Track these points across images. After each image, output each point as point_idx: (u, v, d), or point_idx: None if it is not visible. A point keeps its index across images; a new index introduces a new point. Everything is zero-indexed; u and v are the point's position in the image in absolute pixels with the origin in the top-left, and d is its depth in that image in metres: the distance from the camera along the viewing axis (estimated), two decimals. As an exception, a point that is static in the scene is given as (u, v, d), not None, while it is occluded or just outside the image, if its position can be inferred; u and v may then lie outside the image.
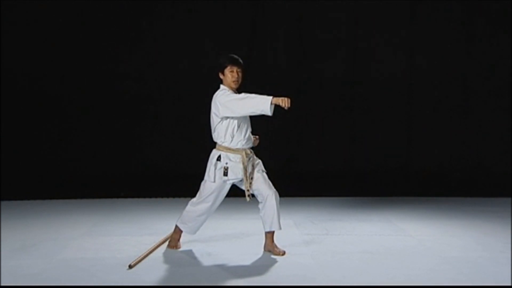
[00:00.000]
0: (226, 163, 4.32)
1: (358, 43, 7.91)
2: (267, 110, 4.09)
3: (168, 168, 7.64)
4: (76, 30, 7.46)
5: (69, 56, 7.48)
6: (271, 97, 4.10)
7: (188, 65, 7.62)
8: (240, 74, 4.36)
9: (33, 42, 7.40)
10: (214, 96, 4.36)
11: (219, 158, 4.35)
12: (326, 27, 7.87)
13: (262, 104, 4.09)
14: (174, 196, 6.71)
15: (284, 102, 4.07)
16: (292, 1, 7.79)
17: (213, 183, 4.36)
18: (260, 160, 4.49)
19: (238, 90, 4.42)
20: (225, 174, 4.32)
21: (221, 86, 4.42)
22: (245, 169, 4.31)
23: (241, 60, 4.39)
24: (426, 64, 7.91)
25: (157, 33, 7.67)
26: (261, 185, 4.34)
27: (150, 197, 6.86)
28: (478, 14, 7.87)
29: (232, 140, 4.34)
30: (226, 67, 4.35)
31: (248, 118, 4.40)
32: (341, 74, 7.91)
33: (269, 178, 4.43)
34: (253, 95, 4.16)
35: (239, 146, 4.35)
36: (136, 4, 7.57)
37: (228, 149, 4.35)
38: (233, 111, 4.20)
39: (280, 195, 4.39)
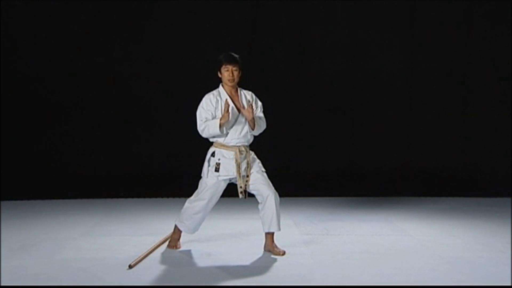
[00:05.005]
0: (219, 159, 4.34)
1: (358, 42, 7.91)
2: (218, 131, 4.28)
3: (168, 168, 7.64)
4: (75, 30, 7.46)
5: (69, 56, 7.48)
6: (218, 120, 4.26)
7: (188, 65, 7.62)
8: (235, 72, 4.37)
9: (33, 42, 7.41)
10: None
11: (213, 154, 4.38)
12: (326, 27, 7.87)
13: (213, 128, 4.28)
14: (174, 196, 6.70)
15: (226, 109, 4.27)
16: (292, 1, 7.79)
17: (207, 179, 4.38)
18: (259, 160, 4.49)
19: (238, 85, 4.47)
20: (217, 170, 4.33)
21: (220, 85, 4.46)
22: (238, 166, 4.31)
23: (238, 58, 4.39)
24: (426, 64, 7.91)
25: (157, 33, 7.67)
26: (261, 185, 4.34)
27: (150, 197, 6.86)
28: (478, 14, 7.87)
29: (226, 137, 4.35)
30: (222, 65, 4.37)
31: None
32: (341, 74, 7.90)
33: (269, 178, 4.43)
34: (208, 121, 4.31)
35: (233, 143, 4.36)
36: (135, 4, 7.57)
37: (223, 146, 4.37)
38: (202, 134, 4.38)
39: (280, 195, 4.38)
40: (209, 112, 4.35)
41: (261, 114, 4.50)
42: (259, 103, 4.53)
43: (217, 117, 4.34)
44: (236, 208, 5.95)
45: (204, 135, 4.38)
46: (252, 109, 4.31)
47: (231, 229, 5.25)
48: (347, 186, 7.45)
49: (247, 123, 4.38)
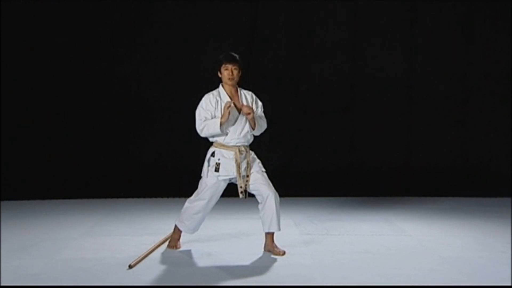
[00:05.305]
0: (219, 159, 4.35)
1: (358, 43, 7.91)
2: (218, 131, 4.28)
3: (168, 168, 7.64)
4: (76, 30, 7.46)
5: (69, 56, 7.48)
6: (219, 119, 4.26)
7: (188, 65, 7.63)
8: (235, 71, 4.38)
9: (32, 42, 7.41)
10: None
11: (213, 154, 4.38)
12: (326, 27, 7.87)
13: (213, 128, 4.29)
14: (174, 196, 6.71)
15: (227, 107, 4.27)
16: (292, 1, 7.79)
17: (207, 179, 4.38)
18: (259, 160, 4.49)
19: (238, 85, 4.48)
20: (217, 170, 4.33)
21: (220, 85, 4.46)
22: (238, 166, 4.32)
23: (237, 57, 4.40)
24: (426, 64, 7.91)
25: (157, 33, 7.67)
26: (261, 185, 4.34)
27: (150, 197, 6.86)
28: (478, 14, 7.87)
29: (226, 137, 4.36)
30: (221, 65, 4.38)
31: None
32: (341, 74, 7.91)
33: (269, 178, 4.43)
34: (208, 120, 4.31)
35: (233, 143, 4.36)
36: (135, 4, 7.57)
37: (222, 146, 4.37)
38: (201, 133, 4.38)
39: (280, 195, 4.38)
40: (208, 112, 4.35)
41: (262, 114, 4.51)
42: (260, 103, 4.53)
43: (216, 117, 4.34)
44: (236, 208, 5.95)
45: (203, 134, 4.38)
46: (252, 109, 4.32)
47: (231, 229, 5.24)
48: (347, 186, 7.44)
49: (247, 123, 4.38)
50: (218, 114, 4.35)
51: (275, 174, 4.72)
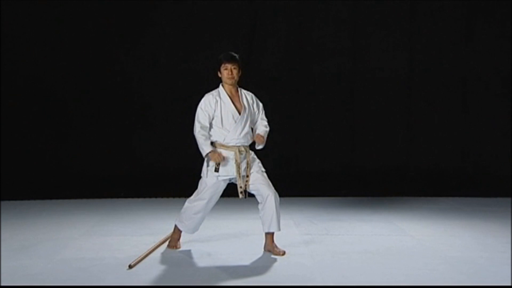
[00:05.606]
0: None
1: (358, 42, 7.92)
2: (203, 155, 4.35)
3: (168, 168, 7.64)
4: (76, 30, 7.47)
5: (69, 56, 7.49)
6: (208, 151, 4.30)
7: (188, 65, 7.63)
8: (234, 71, 4.38)
9: (33, 42, 7.41)
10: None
11: None
12: (326, 27, 7.87)
13: (201, 150, 4.34)
14: (174, 196, 6.71)
15: (215, 159, 4.29)
16: (292, 1, 7.79)
17: (207, 179, 4.38)
18: (259, 160, 4.49)
19: (238, 86, 4.48)
20: (216, 170, 4.34)
21: (220, 85, 4.46)
22: (238, 166, 4.32)
23: (237, 57, 4.40)
24: (426, 64, 7.91)
25: (157, 34, 7.67)
26: (261, 185, 4.34)
27: (150, 197, 6.87)
28: (478, 14, 7.87)
29: (226, 137, 4.36)
30: (221, 64, 4.39)
31: (248, 115, 4.41)
32: (341, 73, 7.91)
33: (269, 178, 4.43)
34: (201, 138, 4.32)
35: (233, 143, 4.36)
36: (135, 5, 7.58)
37: (222, 146, 4.37)
38: (194, 135, 4.40)
39: (280, 195, 4.38)
40: (207, 113, 4.35)
41: (264, 117, 4.52)
42: (261, 105, 4.54)
43: (215, 117, 4.34)
44: (236, 208, 5.96)
45: (195, 137, 4.39)
46: (263, 137, 4.40)
47: (231, 229, 5.25)
48: (347, 186, 7.45)
49: (247, 123, 4.39)
50: (218, 114, 4.35)
51: (275, 174, 4.72)
